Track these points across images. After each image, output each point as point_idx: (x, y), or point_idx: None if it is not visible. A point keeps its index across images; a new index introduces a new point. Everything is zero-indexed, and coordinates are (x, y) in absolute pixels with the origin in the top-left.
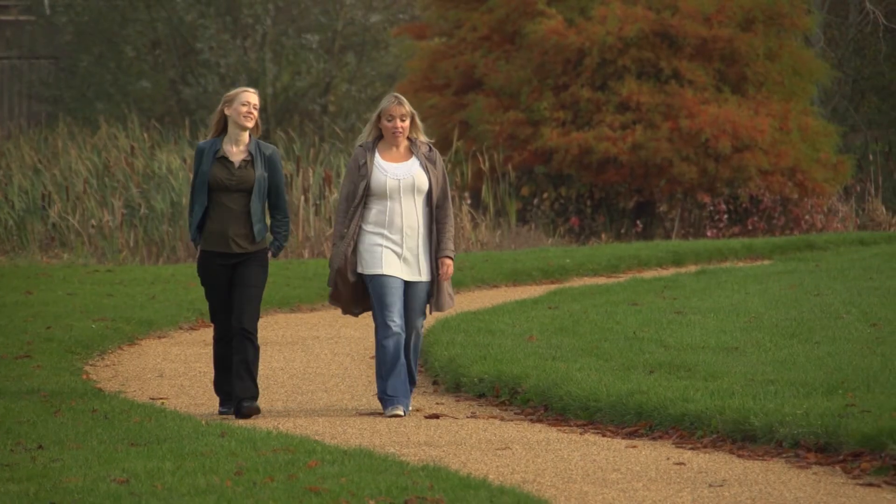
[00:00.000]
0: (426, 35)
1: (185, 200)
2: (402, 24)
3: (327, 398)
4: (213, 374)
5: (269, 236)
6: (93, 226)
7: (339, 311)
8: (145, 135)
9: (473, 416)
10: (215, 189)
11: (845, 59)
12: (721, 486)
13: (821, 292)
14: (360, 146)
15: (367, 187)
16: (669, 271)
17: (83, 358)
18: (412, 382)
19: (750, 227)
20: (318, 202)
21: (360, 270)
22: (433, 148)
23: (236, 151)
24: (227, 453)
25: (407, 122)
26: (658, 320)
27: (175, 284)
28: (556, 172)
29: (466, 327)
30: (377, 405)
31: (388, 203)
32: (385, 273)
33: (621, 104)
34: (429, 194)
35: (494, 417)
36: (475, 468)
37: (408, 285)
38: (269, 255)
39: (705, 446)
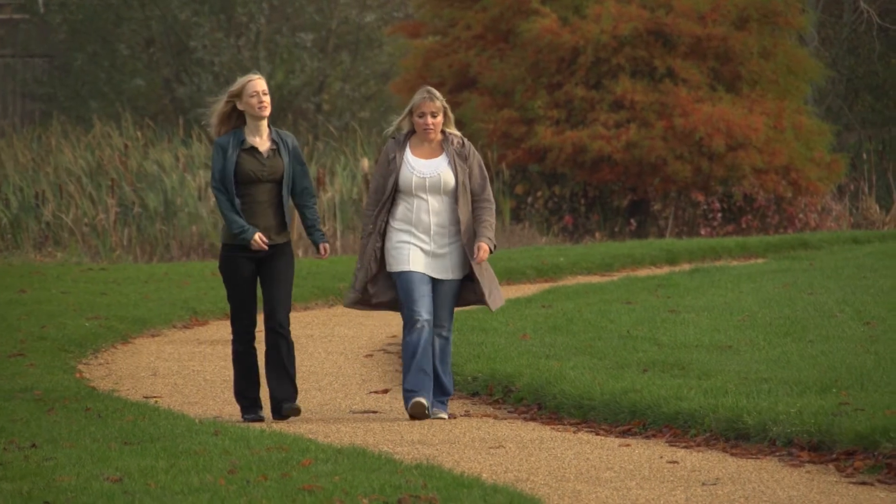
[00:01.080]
0: (420, 34)
1: (180, 200)
2: (396, 22)
3: (321, 397)
4: (232, 380)
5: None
6: (86, 224)
7: (333, 311)
8: (139, 133)
9: (467, 414)
10: (244, 182)
11: (839, 58)
12: (714, 484)
13: (814, 291)
14: (393, 139)
15: (396, 183)
16: (663, 270)
17: (77, 356)
18: (446, 393)
19: (744, 226)
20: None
21: (388, 269)
22: (466, 142)
23: (261, 141)
24: (221, 452)
25: (439, 118)
26: (652, 319)
27: (169, 283)
28: (550, 171)
29: (460, 325)
30: (371, 403)
31: (416, 201)
32: (412, 269)
33: (615, 103)
34: (456, 191)
35: (488, 416)
36: (469, 467)
37: (436, 283)
38: (324, 250)
39: (699, 445)
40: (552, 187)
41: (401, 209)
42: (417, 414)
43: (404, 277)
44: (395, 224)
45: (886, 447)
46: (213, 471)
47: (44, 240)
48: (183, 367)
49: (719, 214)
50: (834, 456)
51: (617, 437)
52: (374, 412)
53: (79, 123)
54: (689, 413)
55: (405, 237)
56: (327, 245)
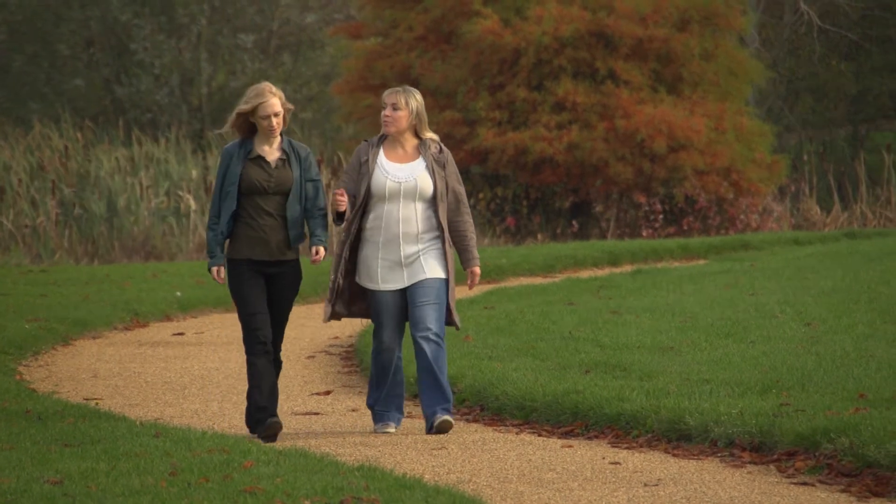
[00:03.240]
0: (362, 35)
1: (123, 201)
2: (338, 23)
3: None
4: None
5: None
6: (26, 226)
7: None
8: (79, 134)
9: (409, 415)
10: (249, 192)
11: (780, 60)
12: (656, 485)
13: (756, 292)
14: (366, 141)
15: (368, 189)
16: (605, 271)
17: (16, 358)
18: (447, 399)
19: (685, 227)
20: None
21: (358, 281)
22: (444, 148)
23: (270, 150)
24: (162, 454)
25: (402, 113)
26: (594, 320)
27: (110, 284)
28: (492, 172)
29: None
30: (313, 405)
31: (386, 206)
32: (381, 289)
33: (557, 104)
34: (433, 199)
35: None
36: (411, 468)
37: (414, 286)
38: (315, 252)
39: (640, 446)
40: (494, 189)
41: (371, 217)
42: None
43: (374, 298)
44: (366, 233)
45: (827, 448)
46: (154, 473)
47: None
48: (124, 369)
49: (661, 216)
50: (775, 456)
51: (559, 438)
52: (316, 414)
53: (18, 125)
54: (632, 414)
55: (373, 251)
56: (322, 249)
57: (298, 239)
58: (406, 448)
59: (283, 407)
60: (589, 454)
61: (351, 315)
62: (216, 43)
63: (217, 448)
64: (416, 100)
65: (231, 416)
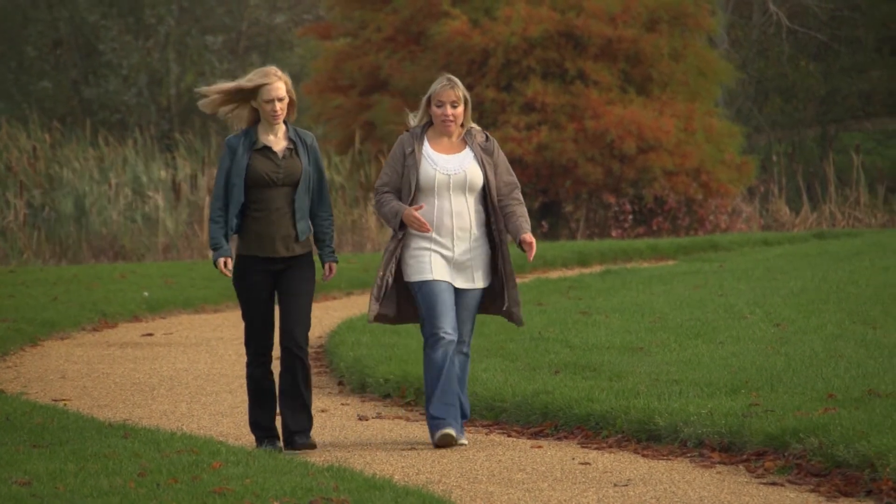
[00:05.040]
0: (331, 35)
1: (91, 202)
2: (307, 24)
3: (231, 399)
4: (246, 406)
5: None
6: None
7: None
8: (46, 135)
9: (379, 416)
10: (256, 185)
11: (749, 60)
12: (626, 485)
13: (725, 292)
14: (408, 132)
15: (417, 182)
16: (574, 272)
17: None
18: (464, 415)
19: (655, 228)
20: None
21: (406, 279)
22: (490, 137)
23: (276, 140)
24: (131, 455)
25: (460, 109)
26: (563, 320)
27: (78, 285)
28: None
29: (372, 328)
30: None
31: (436, 201)
32: (435, 278)
33: (526, 105)
34: (483, 191)
35: (400, 418)
36: (380, 469)
37: (459, 294)
38: (329, 270)
39: (610, 446)
40: None
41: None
42: (444, 445)
43: (426, 288)
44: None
45: (796, 448)
46: (123, 474)
47: None
48: (92, 370)
49: (630, 216)
50: (744, 457)
51: (529, 438)
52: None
53: None
54: (601, 414)
55: (425, 243)
56: (334, 266)
57: (306, 231)
58: (376, 449)
59: None
60: (559, 454)
61: (399, 319)
62: (184, 44)
63: (186, 449)
64: (465, 92)
65: (200, 417)
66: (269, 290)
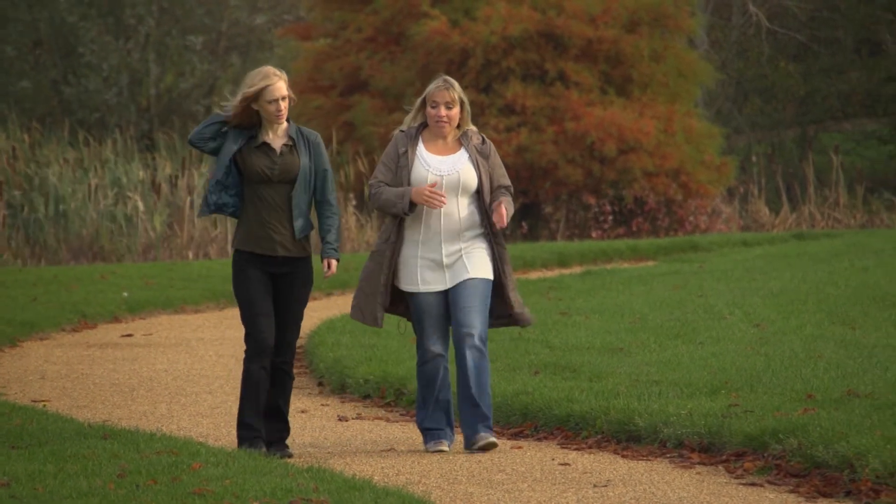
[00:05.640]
0: (311, 36)
1: (71, 203)
2: (287, 25)
3: (211, 400)
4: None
5: (308, 244)
6: None
7: (224, 313)
8: (26, 136)
9: (359, 417)
10: (252, 181)
11: (729, 61)
12: (605, 486)
13: (704, 293)
14: (402, 131)
15: (408, 183)
16: (554, 272)
17: None
18: (486, 416)
19: (635, 229)
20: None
21: (397, 284)
22: (486, 139)
23: (274, 137)
24: (110, 456)
25: (455, 111)
26: (543, 321)
27: (57, 286)
28: None
29: (352, 328)
30: None
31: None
32: (421, 291)
33: (506, 106)
34: (477, 194)
35: (380, 419)
36: (360, 469)
37: (457, 287)
38: (328, 266)
39: (590, 447)
40: None
41: (410, 215)
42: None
43: (414, 302)
44: (404, 231)
45: (775, 448)
46: (103, 475)
47: None
48: (72, 371)
49: (610, 217)
50: (724, 457)
51: (509, 439)
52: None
53: None
54: (581, 415)
55: (412, 249)
56: (334, 262)
57: (304, 230)
58: (355, 450)
59: (233, 409)
60: (538, 455)
61: (392, 312)
62: (164, 44)
63: (165, 450)
64: (461, 93)
65: (179, 418)
66: (267, 287)
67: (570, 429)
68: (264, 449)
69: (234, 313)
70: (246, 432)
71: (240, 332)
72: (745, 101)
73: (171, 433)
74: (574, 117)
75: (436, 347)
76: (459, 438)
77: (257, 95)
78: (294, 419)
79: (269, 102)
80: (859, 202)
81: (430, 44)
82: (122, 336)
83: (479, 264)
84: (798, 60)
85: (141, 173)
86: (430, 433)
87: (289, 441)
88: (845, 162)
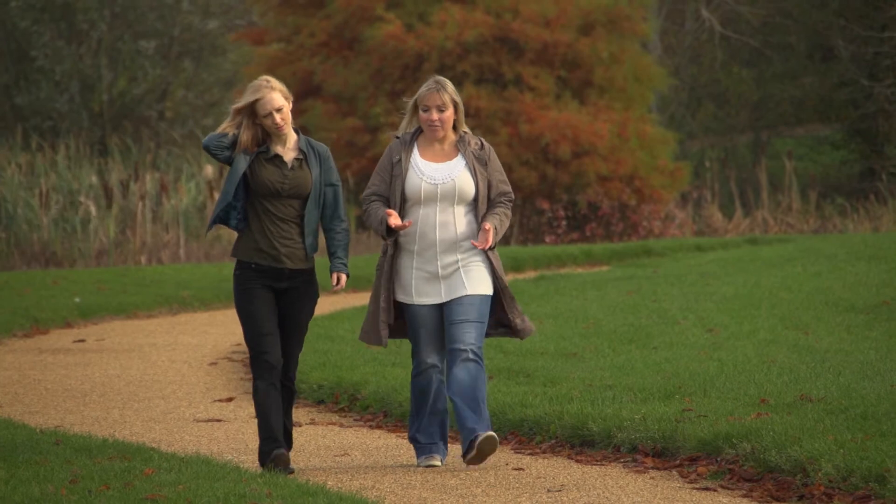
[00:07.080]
0: (264, 41)
1: (22, 208)
2: (240, 29)
3: (164, 405)
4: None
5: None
6: None
7: (177, 319)
8: None
9: (313, 422)
10: (262, 195)
11: (682, 67)
12: (559, 491)
13: (658, 298)
14: (397, 138)
15: (402, 193)
16: (508, 277)
17: None
18: (486, 427)
19: (588, 234)
20: (155, 209)
21: (393, 295)
22: (485, 143)
23: (285, 150)
24: (62, 461)
25: (448, 113)
26: None
27: (9, 291)
28: None
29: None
30: (215, 412)
31: (421, 211)
32: (416, 303)
33: None
34: (475, 201)
35: (334, 424)
36: (314, 475)
37: (452, 302)
38: (336, 280)
39: (544, 451)
40: None
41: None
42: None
43: (409, 313)
44: (400, 242)
45: (729, 453)
46: (55, 481)
47: None
48: (23, 376)
49: (564, 222)
50: (678, 462)
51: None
52: (219, 420)
53: None
54: (535, 420)
55: (407, 259)
56: (343, 276)
57: (314, 247)
58: (309, 455)
59: (186, 414)
60: (492, 460)
61: (399, 335)
62: (117, 49)
63: (118, 455)
64: (454, 92)
65: (132, 424)
66: (272, 302)
67: (523, 434)
68: (284, 452)
69: (187, 319)
70: (271, 445)
71: (193, 337)
72: (699, 107)
73: (124, 439)
74: (528, 120)
75: (430, 358)
76: (452, 452)
77: (251, 110)
78: (247, 425)
79: (264, 116)
80: (812, 207)
81: (384, 48)
82: (75, 341)
83: (477, 279)
84: (751, 66)
85: (93, 178)
86: (422, 447)
87: (241, 448)
88: (798, 167)
